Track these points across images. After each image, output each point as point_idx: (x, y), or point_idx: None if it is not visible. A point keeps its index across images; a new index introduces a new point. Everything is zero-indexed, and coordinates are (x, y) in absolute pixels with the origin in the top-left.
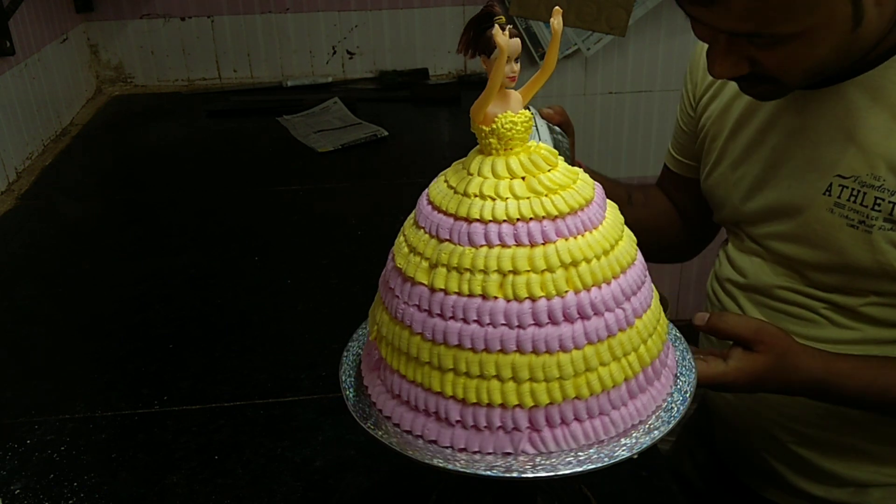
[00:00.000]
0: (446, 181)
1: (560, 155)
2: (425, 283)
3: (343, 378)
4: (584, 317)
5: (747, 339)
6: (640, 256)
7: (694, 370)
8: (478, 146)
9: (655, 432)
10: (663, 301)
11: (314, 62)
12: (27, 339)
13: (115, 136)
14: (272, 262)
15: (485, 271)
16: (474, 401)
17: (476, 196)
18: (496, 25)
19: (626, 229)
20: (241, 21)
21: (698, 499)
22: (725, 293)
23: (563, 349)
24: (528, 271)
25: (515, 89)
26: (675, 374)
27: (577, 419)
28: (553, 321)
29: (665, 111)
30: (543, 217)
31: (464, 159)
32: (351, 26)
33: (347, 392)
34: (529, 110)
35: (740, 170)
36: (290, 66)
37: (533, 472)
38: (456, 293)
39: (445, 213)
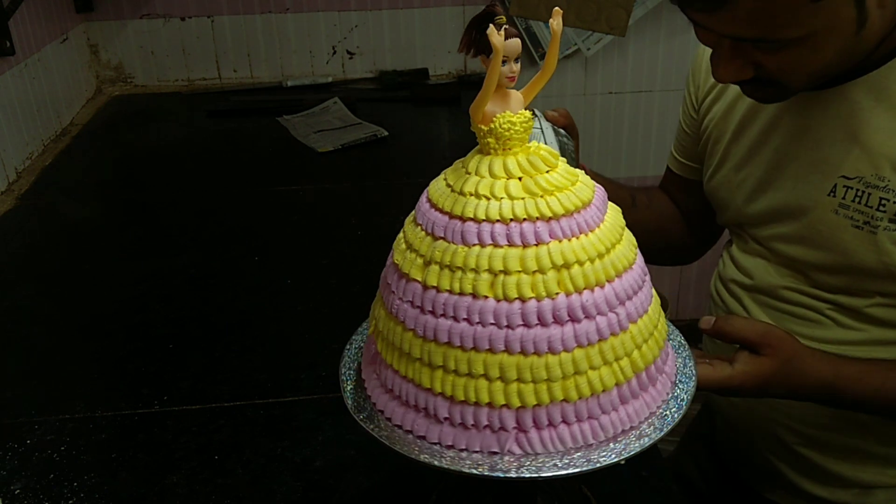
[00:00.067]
0: (445, 179)
1: (566, 157)
2: (419, 279)
3: (343, 371)
4: (574, 319)
5: (754, 343)
6: (639, 261)
7: (694, 379)
8: (479, 146)
9: (646, 439)
10: (663, 301)
11: (314, 62)
12: (27, 339)
13: (115, 136)
14: (272, 262)
15: (476, 270)
16: (462, 399)
17: (471, 195)
18: (491, 26)
19: (627, 233)
20: (241, 21)
21: (702, 501)
22: (730, 294)
23: (552, 351)
24: (519, 272)
25: (517, 90)
26: (674, 382)
27: (564, 422)
28: (542, 322)
29: (665, 111)
30: (537, 218)
31: (464, 158)
32: (351, 26)
33: (346, 384)
34: (534, 113)
35: (744, 171)
36: (290, 66)
37: (517, 472)
38: (448, 291)
39: (442, 212)
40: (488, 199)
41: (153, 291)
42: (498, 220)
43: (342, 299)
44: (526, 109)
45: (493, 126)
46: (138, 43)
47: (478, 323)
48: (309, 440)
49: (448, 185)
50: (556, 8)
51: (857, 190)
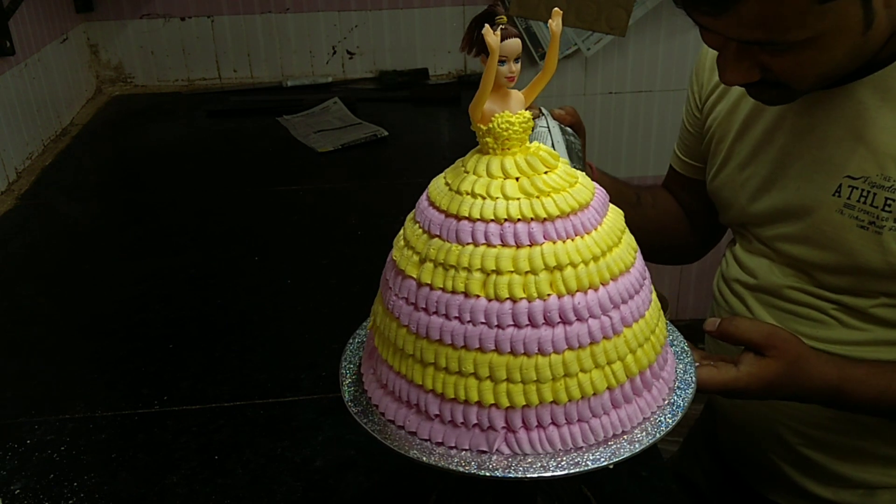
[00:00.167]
0: (445, 178)
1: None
2: (414, 276)
3: (343, 365)
4: (565, 321)
5: (759, 345)
6: (638, 264)
7: (693, 386)
8: (479, 145)
9: (637, 444)
10: (663, 302)
11: (314, 62)
12: (27, 339)
13: (115, 136)
14: (272, 262)
15: (468, 269)
16: (452, 396)
17: (468, 194)
18: (486, 25)
19: (627, 237)
20: (241, 21)
21: (704, 503)
22: (733, 294)
23: (542, 352)
24: (511, 272)
25: (518, 90)
26: (671, 388)
27: (553, 423)
28: (533, 323)
29: (665, 111)
30: (532, 219)
31: (465, 157)
32: (351, 26)
33: (345, 378)
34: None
35: (747, 171)
36: (290, 66)
37: (503, 472)
38: (441, 289)
39: (439, 210)
40: (484, 198)
41: (153, 291)
42: (492, 220)
43: (342, 299)
44: (533, 108)
45: (491, 126)
46: (138, 43)
47: (469, 322)
48: (309, 440)
49: (447, 184)
50: (556, 9)
51: (863, 190)
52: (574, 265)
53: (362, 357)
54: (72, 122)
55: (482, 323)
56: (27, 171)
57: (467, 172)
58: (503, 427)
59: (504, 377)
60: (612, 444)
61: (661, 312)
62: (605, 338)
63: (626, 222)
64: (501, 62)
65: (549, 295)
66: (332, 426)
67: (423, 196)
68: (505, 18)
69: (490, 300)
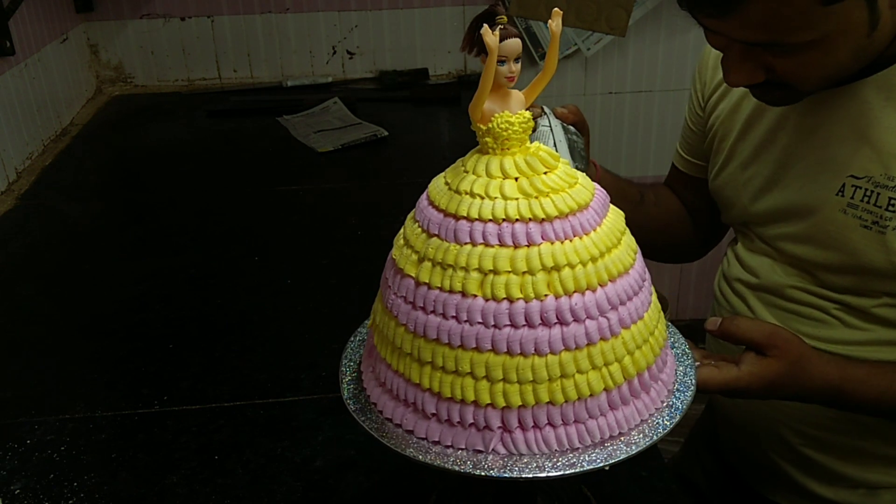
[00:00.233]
0: (444, 178)
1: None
2: (413, 275)
3: (343, 362)
4: (562, 322)
5: (760, 344)
6: (638, 266)
7: (692, 389)
8: (479, 145)
9: (633, 446)
10: (663, 302)
11: (314, 62)
12: (27, 339)
13: (115, 136)
14: (272, 262)
15: (466, 269)
16: (449, 396)
17: (466, 194)
18: (484, 25)
19: (627, 238)
20: (241, 21)
21: (705, 503)
22: (734, 293)
23: (538, 352)
24: (509, 272)
25: (518, 90)
26: (670, 390)
27: (550, 424)
28: (529, 324)
29: (665, 111)
30: (530, 219)
31: (465, 157)
32: (351, 26)
33: (345, 376)
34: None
35: (750, 170)
36: (290, 66)
37: (498, 472)
38: (438, 288)
39: (438, 209)
40: (483, 198)
41: (153, 291)
42: (490, 220)
43: (342, 299)
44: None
45: (490, 126)
46: (138, 43)
47: (466, 321)
48: (309, 440)
49: (446, 184)
50: (556, 9)
51: (866, 189)
52: (572, 266)
53: (362, 355)
54: (72, 122)
55: (479, 323)
56: (27, 171)
57: (467, 172)
58: (499, 427)
59: (500, 377)
60: (608, 446)
61: (662, 314)
62: (603, 339)
63: (630, 220)
64: (501, 62)
65: (546, 295)
66: (332, 426)
67: (424, 195)
68: (505, 18)
69: (487, 300)
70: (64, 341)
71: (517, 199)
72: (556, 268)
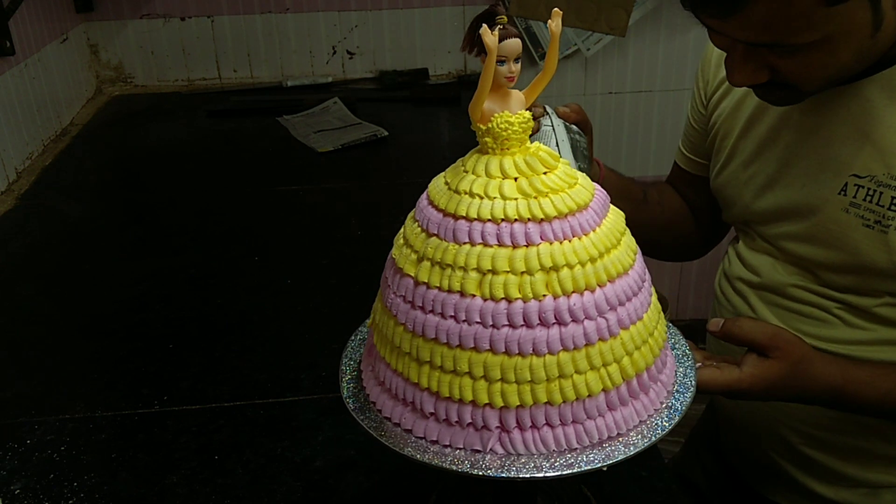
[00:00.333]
0: (444, 177)
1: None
2: (412, 275)
3: (344, 361)
4: (560, 322)
5: (762, 346)
6: (637, 267)
7: (692, 390)
8: (479, 145)
9: (632, 447)
10: (663, 302)
11: (314, 62)
12: (27, 339)
13: (115, 136)
14: (272, 262)
15: (465, 268)
16: (447, 395)
17: (465, 194)
18: (484, 25)
19: (627, 238)
20: (241, 21)
21: (705, 503)
22: (735, 292)
23: (536, 353)
24: (507, 272)
25: (519, 90)
26: (670, 391)
27: (548, 424)
28: (527, 324)
29: (665, 111)
30: (529, 219)
31: (465, 157)
32: (351, 26)
33: (344, 374)
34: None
35: (752, 168)
36: (290, 66)
37: (496, 472)
38: (437, 288)
39: (437, 209)
40: (482, 198)
41: (153, 291)
42: (489, 220)
43: (342, 299)
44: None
45: (490, 126)
46: (138, 43)
47: (464, 321)
48: (309, 440)
49: (446, 183)
50: (556, 9)
51: (869, 189)
52: (570, 266)
53: (363, 354)
54: (72, 122)
55: (477, 322)
56: (27, 171)
57: (466, 172)
58: (497, 427)
59: (498, 377)
60: (607, 446)
61: (661, 315)
62: (601, 339)
63: (633, 219)
64: (501, 62)
65: (544, 295)
66: (332, 426)
67: (424, 195)
68: (505, 18)
69: (486, 300)
70: (64, 341)
71: (516, 199)
72: (555, 268)
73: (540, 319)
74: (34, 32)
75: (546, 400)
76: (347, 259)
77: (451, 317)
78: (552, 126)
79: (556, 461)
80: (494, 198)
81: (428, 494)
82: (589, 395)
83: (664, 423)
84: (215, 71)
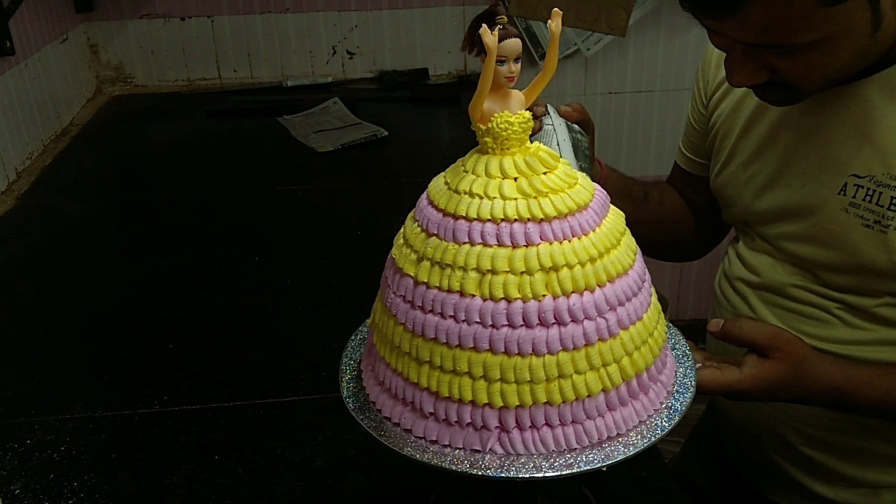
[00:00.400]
0: (444, 177)
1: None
2: (412, 275)
3: (344, 360)
4: (560, 322)
5: (762, 346)
6: (637, 267)
7: (692, 391)
8: (479, 145)
9: (631, 447)
10: (663, 302)
11: (314, 62)
12: (27, 339)
13: (115, 136)
14: (272, 262)
15: (464, 268)
16: (446, 395)
17: (465, 194)
18: (483, 25)
19: (627, 238)
20: (241, 21)
21: (705, 503)
22: (735, 292)
23: (536, 353)
24: (507, 272)
25: (519, 90)
26: (670, 392)
27: (547, 424)
28: (527, 324)
29: (665, 111)
30: (529, 219)
31: (465, 157)
32: (351, 26)
33: (344, 374)
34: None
35: (751, 168)
36: (290, 66)
37: (495, 472)
38: (437, 287)
39: (437, 209)
40: (481, 198)
41: (153, 291)
42: (489, 220)
43: (342, 299)
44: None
45: (490, 126)
46: (138, 43)
47: (463, 321)
48: (309, 440)
49: (446, 183)
50: (556, 9)
51: (868, 189)
52: (570, 266)
53: (362, 354)
54: (72, 122)
55: (477, 322)
56: (27, 171)
57: (466, 172)
58: (497, 427)
59: (498, 377)
60: (606, 447)
61: (661, 315)
62: (601, 340)
63: (633, 218)
64: (501, 62)
65: (544, 296)
66: (332, 426)
67: (424, 195)
68: (505, 18)
69: (485, 300)
70: (64, 341)
71: (516, 199)
72: (555, 268)
73: (539, 319)
74: (34, 32)
75: (546, 400)
76: (347, 259)
77: (451, 317)
78: (553, 125)
79: (555, 461)
80: (494, 198)
81: (428, 494)
82: (588, 396)
83: (664, 424)
84: (215, 71)
